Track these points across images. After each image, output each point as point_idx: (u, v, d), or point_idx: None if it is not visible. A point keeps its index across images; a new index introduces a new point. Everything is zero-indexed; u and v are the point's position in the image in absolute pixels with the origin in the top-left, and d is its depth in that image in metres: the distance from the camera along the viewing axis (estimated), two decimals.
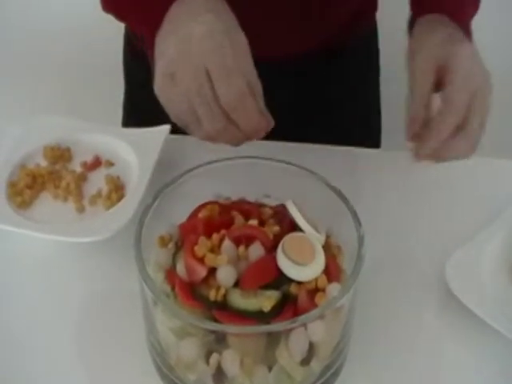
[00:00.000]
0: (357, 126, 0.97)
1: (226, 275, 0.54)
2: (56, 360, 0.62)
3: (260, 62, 0.58)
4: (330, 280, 0.55)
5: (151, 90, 0.60)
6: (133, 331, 0.61)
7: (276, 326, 0.51)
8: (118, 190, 0.74)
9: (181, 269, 0.56)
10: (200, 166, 0.62)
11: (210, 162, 0.62)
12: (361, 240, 0.56)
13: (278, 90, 0.71)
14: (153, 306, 0.55)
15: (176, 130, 0.76)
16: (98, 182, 0.76)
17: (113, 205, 0.72)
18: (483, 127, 0.64)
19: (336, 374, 0.59)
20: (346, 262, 0.59)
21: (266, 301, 0.53)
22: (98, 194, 0.74)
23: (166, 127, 0.76)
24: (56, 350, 0.63)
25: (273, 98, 0.61)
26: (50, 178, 0.76)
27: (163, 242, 0.60)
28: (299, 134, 0.81)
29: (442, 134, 0.62)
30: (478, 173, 0.80)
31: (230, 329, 0.52)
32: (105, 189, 0.74)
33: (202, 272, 0.54)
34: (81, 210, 0.73)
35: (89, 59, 1.39)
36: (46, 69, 1.51)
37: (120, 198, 0.72)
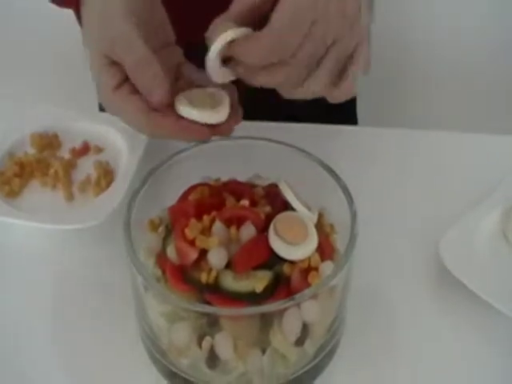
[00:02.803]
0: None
1: (217, 257, 0.52)
2: (44, 347, 0.61)
3: None
4: (323, 259, 0.54)
5: None
6: (124, 317, 0.60)
7: (269, 307, 0.50)
8: (107, 175, 0.72)
9: (171, 252, 0.54)
10: (188, 147, 0.60)
11: (198, 144, 0.60)
12: (353, 217, 0.55)
13: None
14: (144, 291, 0.54)
15: None
16: (87, 168, 0.74)
17: (102, 191, 0.70)
18: (350, 79, 0.54)
19: (331, 354, 0.58)
20: (339, 242, 0.58)
21: (259, 282, 0.51)
22: (87, 181, 0.72)
23: None
24: (45, 337, 0.62)
25: None
26: (39, 165, 0.74)
27: (153, 226, 0.59)
28: (287, 112, 0.79)
29: (250, 57, 0.52)
30: (472, 149, 0.79)
31: (223, 311, 0.52)
32: (94, 175, 0.73)
33: (192, 254, 0.53)
34: (70, 197, 0.71)
35: (74, 47, 1.38)
36: (32, 58, 1.50)
37: (109, 183, 0.71)
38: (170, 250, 0.55)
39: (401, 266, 0.67)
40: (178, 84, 0.57)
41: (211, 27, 0.52)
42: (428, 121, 0.97)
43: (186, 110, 0.53)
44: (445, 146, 0.80)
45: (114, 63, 0.54)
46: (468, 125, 0.83)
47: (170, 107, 0.54)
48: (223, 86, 0.57)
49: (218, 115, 0.55)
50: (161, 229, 0.59)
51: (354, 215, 0.55)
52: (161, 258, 0.56)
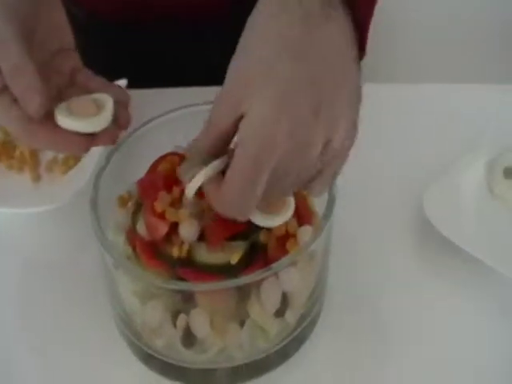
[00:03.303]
0: None
1: (188, 229, 0.49)
2: (14, 334, 0.59)
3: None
4: (300, 224, 0.51)
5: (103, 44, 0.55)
6: (96, 299, 0.58)
7: (246, 279, 0.47)
8: None
9: (141, 227, 0.52)
10: (155, 117, 0.57)
11: (165, 113, 0.57)
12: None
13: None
14: (114, 270, 0.51)
15: (133, 83, 0.72)
16: None
17: (70, 169, 0.67)
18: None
19: (312, 324, 0.56)
20: (317, 203, 0.55)
21: (234, 253, 0.49)
22: (54, 160, 0.69)
23: (123, 82, 0.71)
24: (14, 324, 0.59)
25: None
26: (4, 149, 0.71)
27: (123, 201, 0.56)
28: None
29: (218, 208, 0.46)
30: (454, 99, 0.76)
31: (197, 287, 0.49)
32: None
33: (163, 228, 0.50)
34: (37, 178, 0.68)
35: None
36: None
37: (78, 161, 0.68)
38: (139, 226, 0.52)
39: (384, 222, 0.65)
40: (69, 91, 0.53)
41: (182, 168, 0.48)
42: (409, 73, 0.93)
43: (63, 120, 0.49)
44: (427, 98, 0.76)
45: None
46: (449, 75, 0.80)
47: (50, 117, 0.49)
48: (109, 90, 0.52)
49: (97, 123, 0.49)
50: (130, 204, 0.56)
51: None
52: (131, 235, 0.53)
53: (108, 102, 0.50)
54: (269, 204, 0.50)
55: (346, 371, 0.56)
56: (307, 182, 0.46)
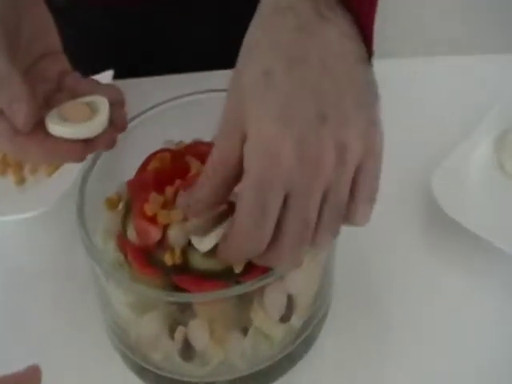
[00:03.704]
0: None
1: (178, 233, 0.45)
2: (4, 343, 0.55)
3: None
4: None
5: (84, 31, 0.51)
6: (88, 308, 0.54)
7: (249, 285, 0.43)
8: None
9: (132, 233, 0.48)
10: (144, 111, 0.53)
11: (154, 106, 0.53)
12: None
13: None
14: (105, 280, 0.47)
15: (119, 73, 0.68)
16: None
17: (55, 170, 0.63)
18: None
19: (320, 325, 0.52)
20: None
21: None
22: None
23: (109, 73, 0.68)
24: (2, 337, 0.56)
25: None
26: None
27: (111, 204, 0.52)
28: None
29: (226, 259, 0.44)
30: (460, 72, 0.72)
31: (196, 297, 0.45)
32: None
33: (155, 234, 0.46)
34: (21, 181, 0.64)
35: None
36: None
37: None
38: (130, 230, 0.48)
39: (391, 206, 0.61)
40: (58, 97, 0.49)
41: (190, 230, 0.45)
42: (410, 47, 0.89)
43: (54, 128, 0.45)
44: (431, 72, 0.72)
45: None
46: (452, 47, 0.76)
47: (40, 127, 0.45)
48: (102, 91, 0.48)
49: (92, 128, 0.46)
50: (120, 206, 0.52)
51: None
52: (121, 240, 0.49)
53: (102, 104, 0.47)
54: None
55: (357, 373, 0.52)
56: (343, 206, 0.41)
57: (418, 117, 0.68)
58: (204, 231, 0.44)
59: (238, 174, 0.40)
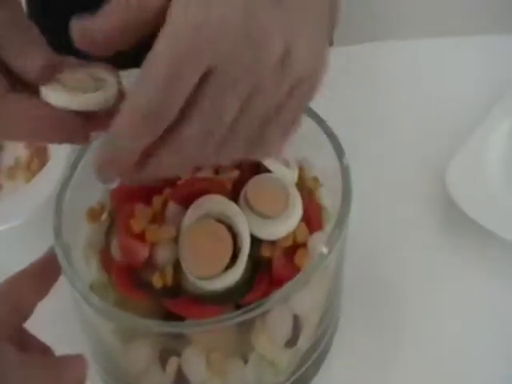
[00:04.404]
0: None
1: (167, 253, 0.41)
2: None
3: None
4: (311, 230, 0.42)
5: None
6: (70, 337, 0.48)
7: (251, 310, 0.37)
8: (39, 154, 0.59)
9: (115, 250, 0.42)
10: None
11: None
12: (345, 172, 0.42)
13: None
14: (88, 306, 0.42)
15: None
16: (15, 148, 0.61)
17: (34, 175, 0.58)
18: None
19: (328, 345, 0.47)
20: (325, 195, 0.46)
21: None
22: (17, 166, 0.59)
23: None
24: None
25: None
26: None
27: (94, 215, 0.46)
28: None
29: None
30: (471, 54, 0.66)
31: (191, 327, 0.39)
32: (24, 156, 0.60)
33: (142, 252, 0.41)
34: None
35: None
36: None
37: (43, 165, 0.58)
38: (114, 246, 0.43)
39: (402, 200, 0.57)
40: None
41: None
42: (419, 28, 0.84)
43: (52, 95, 0.36)
44: (440, 55, 0.67)
45: None
46: (458, 28, 0.70)
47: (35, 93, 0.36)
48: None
49: (98, 100, 0.36)
50: (103, 218, 0.47)
51: (345, 171, 0.42)
52: (105, 257, 0.44)
53: (110, 77, 0.38)
54: (266, 203, 0.41)
55: None
56: (262, 122, 0.33)
57: (429, 104, 0.63)
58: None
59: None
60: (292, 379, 0.44)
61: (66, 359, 0.35)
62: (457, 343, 0.50)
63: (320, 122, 0.44)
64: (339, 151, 0.43)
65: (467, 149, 0.57)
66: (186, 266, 0.39)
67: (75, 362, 0.35)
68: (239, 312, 0.37)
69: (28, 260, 0.54)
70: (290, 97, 0.33)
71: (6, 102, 0.35)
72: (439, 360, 0.49)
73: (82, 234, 0.46)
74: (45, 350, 0.38)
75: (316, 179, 0.46)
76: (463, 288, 0.53)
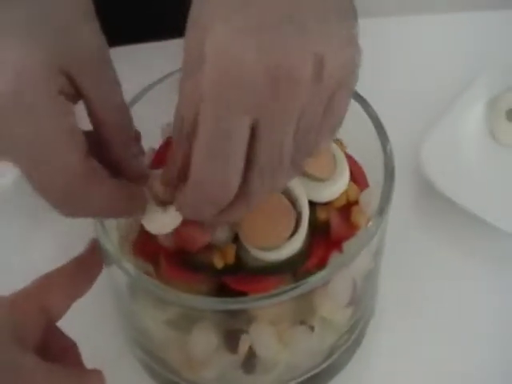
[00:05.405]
0: None
1: (225, 232, 0.39)
2: None
3: None
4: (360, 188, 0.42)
5: None
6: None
7: (316, 279, 0.36)
8: None
9: (164, 237, 0.39)
10: (139, 95, 0.43)
11: (149, 86, 0.44)
12: (389, 157, 0.41)
13: None
14: (128, 297, 0.40)
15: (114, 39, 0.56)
16: None
17: None
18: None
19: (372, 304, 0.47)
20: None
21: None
22: None
23: None
24: None
25: None
26: None
27: None
28: None
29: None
30: (447, 31, 0.66)
31: (260, 301, 0.36)
32: None
33: (203, 238, 0.38)
34: None
35: None
36: None
37: None
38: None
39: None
40: None
41: None
42: (395, 5, 0.84)
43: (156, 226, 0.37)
44: (416, 32, 0.66)
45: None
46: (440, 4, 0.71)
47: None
48: None
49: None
50: None
51: (389, 155, 0.41)
52: (143, 246, 0.41)
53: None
54: (316, 165, 0.40)
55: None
56: (313, 135, 0.33)
57: (408, 79, 0.62)
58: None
59: None
60: (352, 338, 0.45)
61: (88, 374, 0.34)
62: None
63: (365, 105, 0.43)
64: (383, 138, 0.42)
65: (441, 125, 0.56)
66: (247, 239, 0.38)
67: (96, 377, 0.34)
68: (304, 282, 0.36)
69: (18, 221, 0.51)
70: (332, 100, 0.32)
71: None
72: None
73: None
74: (71, 347, 0.36)
75: (340, 142, 0.45)
76: (436, 265, 0.52)
